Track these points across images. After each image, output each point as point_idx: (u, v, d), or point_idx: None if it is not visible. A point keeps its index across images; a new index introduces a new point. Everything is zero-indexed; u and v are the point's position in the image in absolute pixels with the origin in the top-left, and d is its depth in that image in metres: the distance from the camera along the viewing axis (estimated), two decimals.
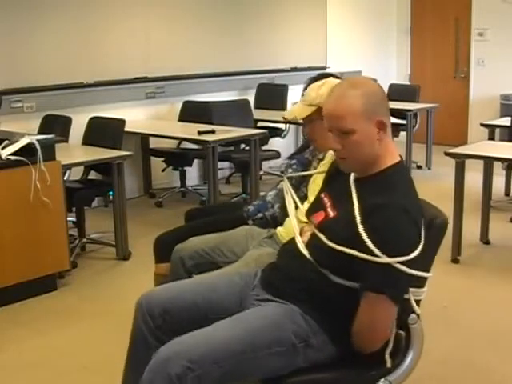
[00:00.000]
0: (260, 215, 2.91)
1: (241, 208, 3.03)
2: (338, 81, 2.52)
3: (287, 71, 7.41)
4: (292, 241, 2.18)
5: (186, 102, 6.33)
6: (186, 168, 6.16)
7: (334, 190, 2.14)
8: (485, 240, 4.68)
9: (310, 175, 2.67)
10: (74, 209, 4.56)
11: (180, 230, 3.17)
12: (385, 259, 1.84)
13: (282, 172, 2.91)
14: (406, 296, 1.98)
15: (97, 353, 3.23)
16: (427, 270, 2.05)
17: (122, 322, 3.53)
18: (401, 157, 2.09)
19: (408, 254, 1.86)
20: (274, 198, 2.93)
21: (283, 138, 6.93)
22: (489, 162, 4.55)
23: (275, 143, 6.76)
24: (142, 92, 6.18)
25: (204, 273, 2.57)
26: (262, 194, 5.68)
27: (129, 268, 4.42)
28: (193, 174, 6.54)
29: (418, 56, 8.84)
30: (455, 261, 4.30)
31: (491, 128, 5.76)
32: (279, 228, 2.69)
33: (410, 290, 1.99)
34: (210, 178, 5.15)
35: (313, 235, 2.08)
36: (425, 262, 2.01)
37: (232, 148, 6.09)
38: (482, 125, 5.83)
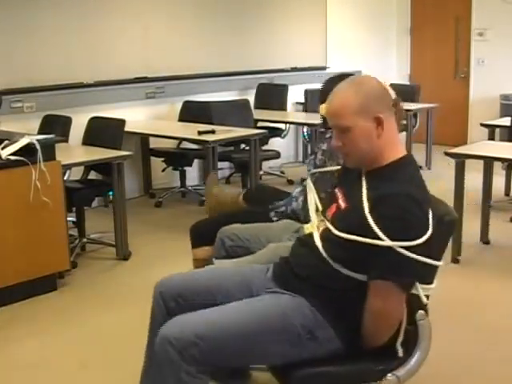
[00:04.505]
0: (283, 208, 3.05)
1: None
2: None
3: (287, 71, 7.41)
4: (308, 236, 2.22)
5: (186, 102, 6.33)
6: (186, 168, 6.16)
7: (346, 184, 2.18)
8: (485, 240, 4.68)
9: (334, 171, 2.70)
10: (74, 209, 4.55)
11: (214, 218, 3.40)
12: (388, 242, 1.89)
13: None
14: (415, 291, 2.02)
15: (97, 352, 3.23)
16: (438, 260, 2.08)
17: (122, 322, 3.55)
18: (408, 151, 2.14)
19: (413, 240, 1.90)
20: (298, 193, 3.02)
21: (283, 137, 6.94)
22: (489, 161, 4.55)
23: (275, 143, 6.77)
24: (142, 92, 6.18)
25: (238, 257, 2.68)
26: None
27: (129, 268, 4.41)
28: (193, 174, 6.54)
29: (418, 56, 8.84)
30: (455, 261, 4.30)
31: (491, 128, 5.76)
32: (306, 225, 2.74)
33: (420, 286, 2.03)
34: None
35: (325, 229, 2.12)
36: (433, 254, 2.03)
37: (232, 148, 6.10)
38: (482, 125, 5.83)
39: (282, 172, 7.00)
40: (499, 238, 4.79)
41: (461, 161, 4.23)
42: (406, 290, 1.98)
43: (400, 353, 2.05)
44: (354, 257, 1.99)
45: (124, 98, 5.98)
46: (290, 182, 6.62)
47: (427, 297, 2.10)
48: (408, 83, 8.53)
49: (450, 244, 4.38)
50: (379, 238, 1.90)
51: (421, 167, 7.00)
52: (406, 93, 7.38)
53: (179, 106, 6.34)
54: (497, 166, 4.93)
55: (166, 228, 5.28)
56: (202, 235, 3.11)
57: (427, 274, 2.06)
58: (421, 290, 2.03)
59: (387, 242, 1.90)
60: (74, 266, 4.31)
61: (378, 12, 8.60)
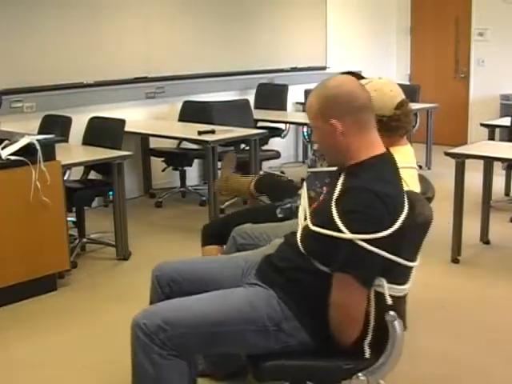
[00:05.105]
0: (288, 205, 3.14)
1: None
2: (382, 81, 2.58)
3: (287, 71, 7.41)
4: (294, 232, 2.27)
5: (185, 102, 6.33)
6: (186, 168, 6.17)
7: (331, 182, 2.23)
8: (485, 240, 4.68)
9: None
10: (74, 209, 4.55)
11: (225, 218, 3.57)
12: (348, 235, 1.92)
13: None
14: (380, 290, 2.00)
15: (97, 352, 3.23)
16: (409, 260, 2.05)
17: (123, 322, 3.54)
18: (387, 149, 2.15)
19: (372, 233, 1.92)
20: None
21: (283, 137, 6.94)
22: (489, 161, 4.55)
23: (275, 143, 6.77)
24: (142, 92, 6.18)
25: None
26: None
27: (129, 268, 4.42)
28: (193, 173, 6.54)
29: (418, 56, 8.84)
30: (455, 261, 4.30)
31: (491, 128, 5.76)
32: None
33: (389, 286, 2.01)
34: (210, 177, 5.15)
35: (306, 224, 2.17)
36: (401, 252, 2.00)
37: (232, 148, 6.09)
38: (482, 125, 5.83)
39: (282, 172, 7.00)
40: (499, 238, 4.79)
41: (461, 161, 4.23)
42: (366, 285, 1.98)
43: (367, 354, 2.05)
44: (324, 250, 2.02)
45: (124, 98, 5.98)
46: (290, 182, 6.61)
47: (399, 298, 2.06)
48: (408, 83, 8.53)
49: (450, 244, 4.43)
50: (341, 231, 1.94)
51: (421, 167, 6.98)
52: (405, 93, 7.36)
53: (179, 105, 6.34)
54: (497, 165, 4.93)
55: (166, 228, 5.29)
56: (212, 235, 3.23)
57: (396, 274, 2.04)
58: (387, 289, 2.00)
59: (347, 235, 1.92)
60: (74, 266, 4.31)
61: (378, 12, 8.60)
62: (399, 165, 2.49)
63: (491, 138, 5.71)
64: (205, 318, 2.07)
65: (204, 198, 5.84)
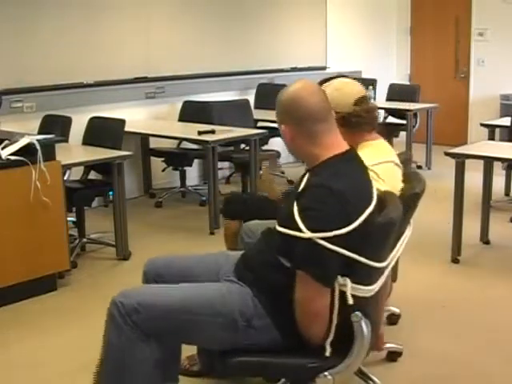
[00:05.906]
0: None
1: None
2: (344, 80, 2.59)
3: (287, 71, 7.41)
4: (270, 228, 2.30)
5: (185, 102, 6.33)
6: (186, 168, 6.17)
7: (297, 181, 2.25)
8: (485, 240, 4.68)
9: None
10: (74, 209, 4.56)
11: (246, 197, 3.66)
12: (306, 234, 1.93)
13: None
14: (344, 289, 2.00)
15: (97, 353, 3.22)
16: (374, 260, 2.04)
17: None
18: (352, 147, 2.17)
19: (329, 231, 1.93)
20: None
21: None
22: (489, 161, 4.55)
23: (275, 143, 6.76)
24: (142, 92, 6.18)
25: None
26: None
27: (129, 268, 4.41)
28: (193, 173, 6.55)
29: (418, 56, 8.84)
30: (455, 261, 4.30)
31: (491, 128, 5.76)
32: None
33: (354, 286, 2.00)
34: (210, 177, 5.16)
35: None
36: (365, 250, 1.99)
37: (232, 148, 6.10)
38: (482, 125, 5.83)
39: (282, 172, 7.00)
40: (499, 238, 4.79)
41: (461, 161, 4.23)
42: (323, 282, 1.98)
43: (328, 352, 2.05)
44: (286, 247, 2.04)
45: (124, 98, 5.98)
46: (290, 182, 6.62)
47: (365, 298, 2.04)
48: (408, 83, 8.53)
49: (450, 244, 4.43)
50: (300, 230, 1.95)
51: (421, 167, 7.00)
52: (406, 93, 7.39)
53: (179, 105, 6.34)
54: (497, 165, 4.93)
55: (166, 228, 5.28)
56: (234, 210, 3.23)
57: (362, 274, 2.03)
58: (350, 288, 1.99)
59: (306, 234, 1.94)
60: (74, 266, 4.31)
61: (378, 12, 8.60)
62: (372, 161, 2.48)
63: (491, 138, 5.71)
64: (177, 305, 2.12)
65: (204, 198, 5.84)
